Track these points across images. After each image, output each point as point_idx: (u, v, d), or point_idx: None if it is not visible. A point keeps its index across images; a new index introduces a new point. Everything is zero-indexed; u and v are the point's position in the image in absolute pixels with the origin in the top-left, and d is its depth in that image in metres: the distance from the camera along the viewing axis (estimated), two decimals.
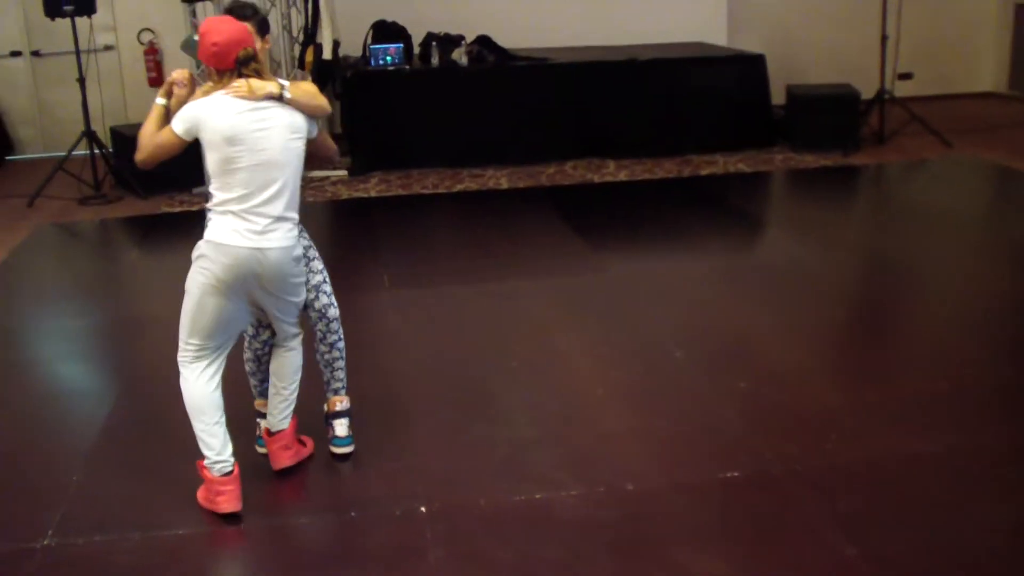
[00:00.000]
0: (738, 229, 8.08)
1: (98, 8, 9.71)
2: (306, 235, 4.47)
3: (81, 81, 9.58)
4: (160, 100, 4.25)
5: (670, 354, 5.47)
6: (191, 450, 4.32)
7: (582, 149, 10.28)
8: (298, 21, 10.14)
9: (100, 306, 7.05)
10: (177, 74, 4.26)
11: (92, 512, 4.25)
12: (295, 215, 4.17)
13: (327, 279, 4.53)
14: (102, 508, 4.28)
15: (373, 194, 9.37)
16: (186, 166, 9.95)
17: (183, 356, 4.20)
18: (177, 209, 9.16)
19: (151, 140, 4.24)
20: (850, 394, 4.97)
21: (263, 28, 4.38)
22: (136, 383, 5.59)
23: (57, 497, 4.32)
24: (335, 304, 4.54)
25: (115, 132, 10.18)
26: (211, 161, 4.13)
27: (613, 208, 8.75)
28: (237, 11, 4.31)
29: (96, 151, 9.69)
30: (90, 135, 9.63)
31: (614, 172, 9.76)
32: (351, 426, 4.64)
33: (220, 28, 4.07)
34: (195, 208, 9.14)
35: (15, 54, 11.82)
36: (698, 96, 10.44)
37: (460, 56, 10.22)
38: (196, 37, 4.20)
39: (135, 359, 5.95)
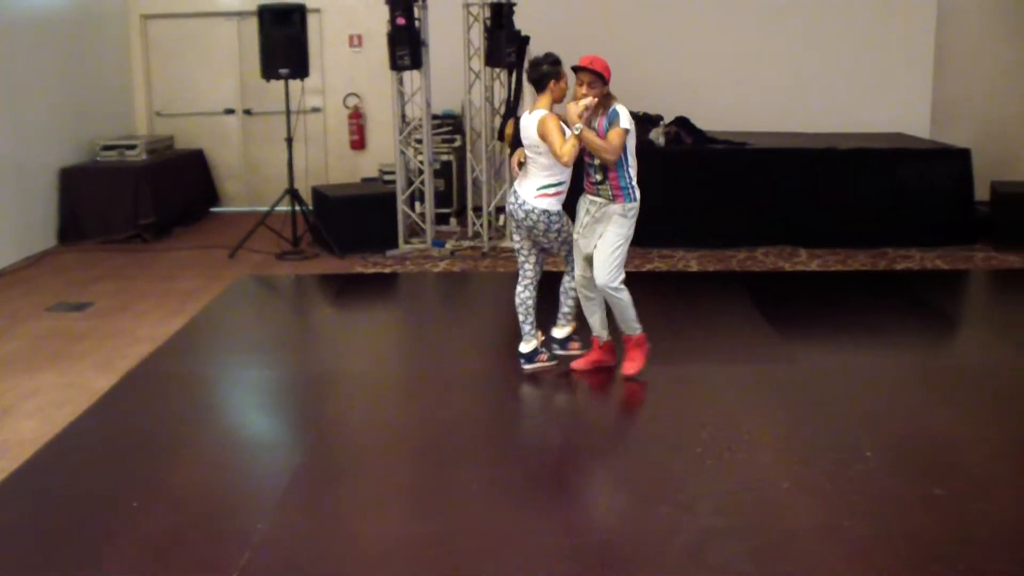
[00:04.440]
0: (934, 328, 7.82)
1: (311, 73, 10.13)
2: None
3: (289, 140, 9.99)
4: (578, 127, 5.95)
5: (860, 453, 5.31)
6: (377, 507, 4.40)
7: (775, 236, 10.16)
8: (501, 94, 10.36)
9: (293, 359, 7.28)
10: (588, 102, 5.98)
11: (275, 561, 4.36)
12: None
13: None
14: (285, 558, 4.40)
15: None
16: (381, 230, 10.34)
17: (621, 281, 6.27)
18: (371, 270, 9.41)
19: (604, 144, 6.04)
20: None
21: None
22: (325, 437, 5.73)
23: (242, 543, 4.45)
24: None
25: (316, 191, 10.57)
26: (631, 146, 6.21)
27: (804, 297, 8.60)
28: None
29: (297, 208, 10.06)
30: (293, 193, 10.01)
31: (806, 261, 9.61)
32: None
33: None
34: (387, 270, 9.38)
35: (229, 111, 12.43)
36: (897, 189, 10.20)
37: (658, 136, 10.27)
38: None
39: (325, 413, 6.11)
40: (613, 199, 6.22)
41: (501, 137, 10.12)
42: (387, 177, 11.26)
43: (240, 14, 12.11)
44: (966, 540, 4.45)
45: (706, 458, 5.26)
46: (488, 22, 9.95)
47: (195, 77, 12.47)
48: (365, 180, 11.87)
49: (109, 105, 11.96)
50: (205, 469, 5.29)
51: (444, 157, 11.28)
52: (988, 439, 5.56)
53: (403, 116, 10.33)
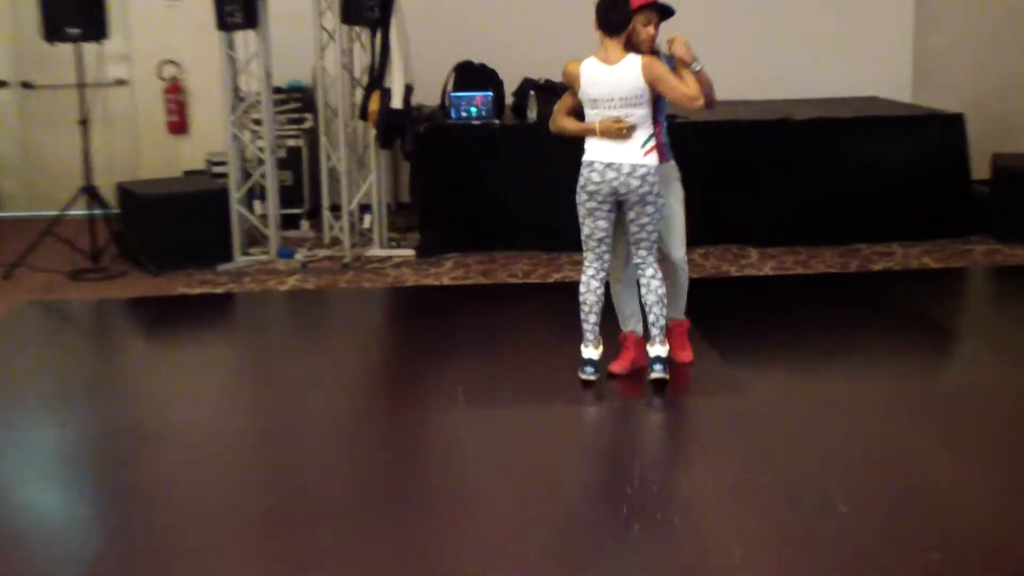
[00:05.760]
0: (922, 344, 7.98)
1: (110, 33, 9.98)
2: None
3: (83, 123, 9.83)
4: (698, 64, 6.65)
5: (831, 506, 5.36)
6: None
7: (716, 234, 10.28)
8: (362, 60, 10.33)
9: (91, 413, 7.13)
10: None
11: None
12: None
13: None
14: None
15: (447, 281, 9.49)
16: (210, 239, 10.21)
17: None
18: (197, 290, 9.33)
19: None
20: None
21: None
22: (138, 511, 5.62)
23: None
24: None
25: (123, 189, 10.41)
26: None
27: (755, 310, 8.74)
28: None
29: (97, 212, 9.90)
30: (90, 192, 9.86)
31: (757, 264, 9.76)
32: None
33: None
34: (219, 290, 9.29)
35: (1, 84, 12.18)
36: (870, 167, 10.38)
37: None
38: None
39: (139, 480, 5.98)
40: (661, 159, 6.85)
41: (364, 115, 10.07)
42: (217, 169, 11.19)
43: None
44: None
45: (634, 519, 5.28)
46: None
47: None
48: (188, 173, 11.79)
49: None
50: None
51: (291, 142, 11.28)
52: (992, 483, 5.65)
53: (236, 90, 10.26)
